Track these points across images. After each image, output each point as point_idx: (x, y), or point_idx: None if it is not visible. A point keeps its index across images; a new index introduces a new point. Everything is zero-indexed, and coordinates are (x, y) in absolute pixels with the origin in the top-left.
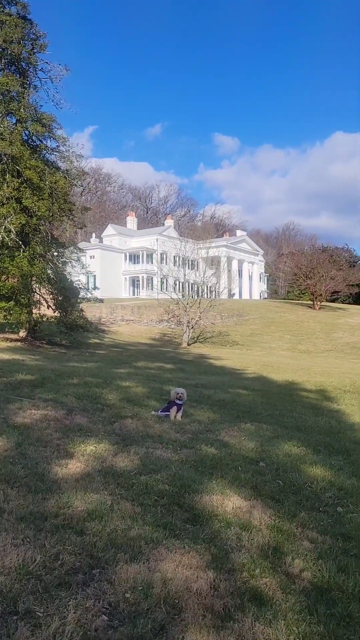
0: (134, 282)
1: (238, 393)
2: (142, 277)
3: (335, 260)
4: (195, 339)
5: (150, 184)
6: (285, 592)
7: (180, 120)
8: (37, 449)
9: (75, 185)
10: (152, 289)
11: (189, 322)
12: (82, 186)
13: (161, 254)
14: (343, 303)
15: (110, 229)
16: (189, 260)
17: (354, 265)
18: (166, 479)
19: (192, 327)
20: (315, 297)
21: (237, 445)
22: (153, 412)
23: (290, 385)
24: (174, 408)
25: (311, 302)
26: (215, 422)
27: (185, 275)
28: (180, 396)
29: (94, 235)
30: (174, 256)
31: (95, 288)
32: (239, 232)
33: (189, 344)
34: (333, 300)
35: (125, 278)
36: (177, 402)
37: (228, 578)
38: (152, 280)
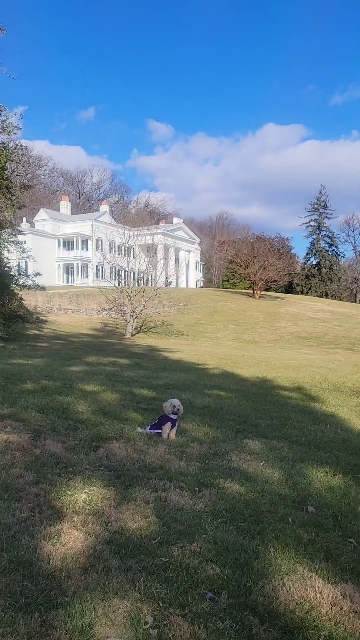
0: (68, 269)
1: (218, 395)
2: (77, 264)
3: (277, 249)
4: (139, 329)
5: (83, 169)
6: None
7: (114, 104)
8: (9, 505)
9: (13, 161)
10: (87, 277)
11: (133, 312)
12: (18, 162)
13: (96, 240)
14: (276, 292)
15: (42, 214)
16: (124, 248)
17: (286, 255)
18: (208, 551)
19: (136, 317)
20: (256, 286)
21: (260, 476)
22: (139, 430)
23: (264, 382)
24: (168, 424)
25: (250, 291)
26: (217, 440)
27: (129, 263)
28: (177, 410)
29: (24, 219)
30: (110, 243)
31: (36, 274)
32: (175, 220)
33: (132, 335)
34: (267, 289)
35: (59, 265)
36: (172, 417)
37: None
38: (87, 267)
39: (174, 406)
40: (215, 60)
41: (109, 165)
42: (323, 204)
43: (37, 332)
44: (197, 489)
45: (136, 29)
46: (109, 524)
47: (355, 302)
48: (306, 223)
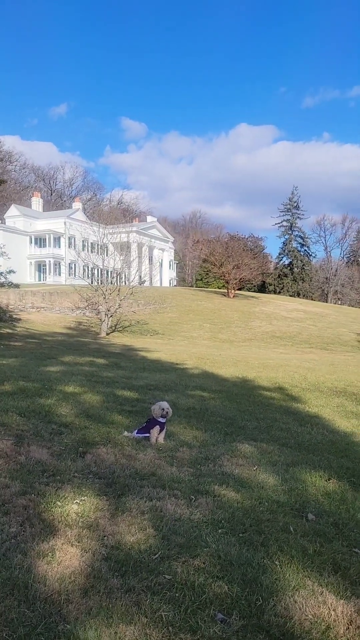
0: (40, 267)
1: (201, 396)
2: (49, 261)
3: (251, 248)
4: (114, 328)
5: (55, 165)
6: None
7: (87, 101)
8: None
9: None
10: (59, 275)
11: (108, 310)
12: None
13: (69, 237)
14: (249, 291)
15: (13, 210)
16: (98, 245)
17: (260, 255)
18: (213, 567)
19: (111, 316)
20: (230, 286)
21: (254, 481)
22: (126, 433)
23: (245, 383)
24: (156, 428)
25: (224, 290)
26: (206, 443)
27: (104, 261)
28: (165, 413)
29: None
30: (83, 240)
31: (10, 272)
32: (149, 218)
33: (107, 334)
34: (240, 289)
35: (31, 262)
36: (161, 420)
37: None
38: (59, 265)
39: (163, 409)
40: (189, 60)
41: (81, 162)
42: (295, 204)
43: (9, 330)
44: (192, 497)
45: (109, 28)
46: (105, 537)
47: (327, 302)
48: (279, 223)
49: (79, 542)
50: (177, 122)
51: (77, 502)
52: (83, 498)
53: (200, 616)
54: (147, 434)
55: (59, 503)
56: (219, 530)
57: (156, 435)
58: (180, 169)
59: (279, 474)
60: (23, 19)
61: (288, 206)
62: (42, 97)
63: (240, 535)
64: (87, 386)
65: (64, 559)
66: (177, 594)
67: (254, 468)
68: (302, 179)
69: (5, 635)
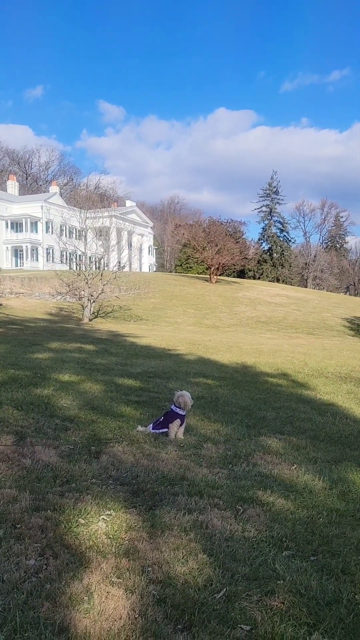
0: (17, 253)
1: (206, 384)
2: (26, 247)
3: (231, 234)
4: (96, 313)
5: (30, 148)
6: None
7: (63, 83)
8: (9, 548)
9: None
10: (37, 260)
11: (91, 296)
12: None
13: (47, 222)
14: (229, 277)
15: None
16: (76, 230)
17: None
18: (297, 609)
19: (94, 301)
20: (213, 271)
21: (299, 484)
22: (140, 428)
23: (245, 369)
24: (176, 422)
25: (206, 276)
26: (231, 438)
27: (85, 246)
28: (186, 404)
29: None
30: (61, 225)
31: None
32: (128, 203)
33: (90, 320)
34: (220, 274)
35: (7, 248)
36: (181, 412)
37: None
38: (37, 250)
39: (185, 400)
40: (168, 43)
41: (57, 146)
42: (274, 189)
43: None
44: (240, 508)
45: (86, 11)
46: (149, 569)
47: (306, 288)
48: (258, 208)
49: (119, 578)
50: (156, 105)
51: (103, 519)
52: (109, 512)
53: None
54: (166, 429)
55: (82, 520)
56: (284, 553)
57: (175, 430)
58: (158, 154)
59: (323, 474)
60: None
61: (267, 191)
62: (17, 78)
63: (312, 559)
64: (83, 374)
65: (106, 607)
66: None
67: (293, 467)
68: (281, 164)
69: None
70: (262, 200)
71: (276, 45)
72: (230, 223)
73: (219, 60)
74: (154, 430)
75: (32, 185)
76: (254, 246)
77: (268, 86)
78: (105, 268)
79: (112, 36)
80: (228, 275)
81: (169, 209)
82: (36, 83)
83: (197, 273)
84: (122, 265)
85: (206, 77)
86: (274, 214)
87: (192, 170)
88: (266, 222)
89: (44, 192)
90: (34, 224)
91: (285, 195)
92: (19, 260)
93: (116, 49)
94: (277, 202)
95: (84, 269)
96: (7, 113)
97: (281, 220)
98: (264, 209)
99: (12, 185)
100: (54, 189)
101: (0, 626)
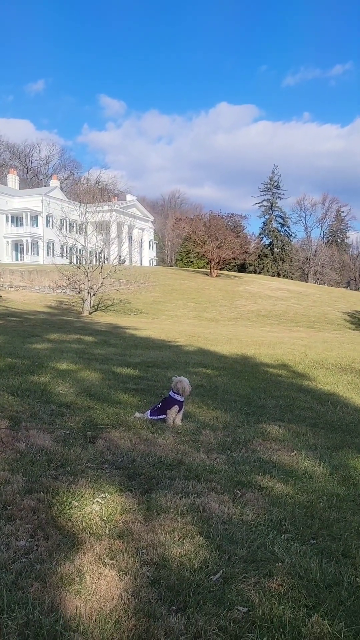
0: (17, 247)
1: (205, 373)
2: (27, 240)
3: (232, 228)
4: (96, 307)
5: (31, 143)
6: None
7: (65, 77)
8: None
9: None
10: (37, 254)
11: (91, 289)
12: None
13: (47, 216)
14: (229, 271)
15: None
16: (77, 225)
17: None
18: (296, 591)
19: (94, 294)
20: (213, 265)
21: (299, 470)
22: (138, 415)
23: (245, 360)
24: (174, 408)
25: (207, 270)
26: (230, 425)
27: (85, 240)
28: (190, 391)
29: None
30: (61, 219)
31: None
32: (129, 197)
33: (90, 313)
34: (221, 269)
35: (7, 242)
36: (179, 398)
37: None
38: (37, 244)
39: (183, 386)
40: (170, 37)
41: (58, 140)
42: (276, 184)
43: None
44: (237, 491)
45: (87, 4)
46: (144, 550)
47: (307, 282)
48: (259, 203)
49: (112, 560)
50: (157, 100)
51: (97, 501)
52: (104, 495)
53: None
54: (163, 416)
55: (75, 503)
56: (284, 536)
57: (174, 417)
58: (159, 149)
59: (324, 460)
60: None
61: (268, 186)
62: (19, 72)
63: (312, 542)
64: (81, 363)
65: (98, 588)
66: (265, 639)
67: (293, 453)
68: (283, 159)
69: None
70: (263, 195)
71: (278, 39)
72: (231, 217)
73: (221, 54)
74: (151, 417)
75: (32, 179)
76: (254, 240)
77: (270, 80)
78: (106, 262)
79: (113, 30)
80: (229, 270)
81: (170, 204)
82: (37, 77)
83: (198, 267)
84: (122, 259)
85: (208, 71)
86: (275, 209)
87: (194, 165)
88: (267, 216)
89: (45, 186)
90: (35, 218)
91: (287, 189)
92: (19, 254)
93: (117, 42)
94: (278, 197)
95: (84, 263)
96: (8, 107)
97: (282, 215)
98: (265, 203)
99: (13, 179)
100: (54, 182)
101: None
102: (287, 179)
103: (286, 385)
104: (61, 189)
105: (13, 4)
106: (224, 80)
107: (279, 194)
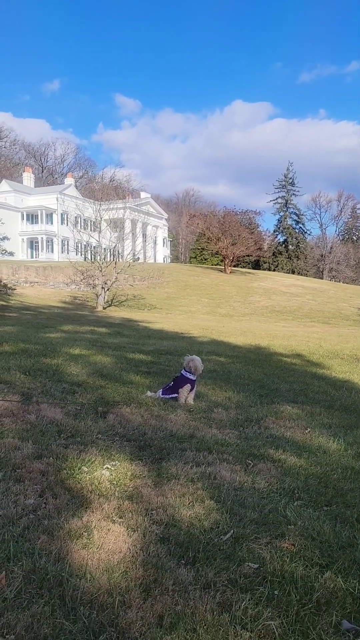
0: (33, 244)
1: (218, 361)
2: (42, 238)
3: (246, 225)
4: (110, 302)
5: (46, 141)
6: None
7: (80, 76)
8: (7, 488)
9: None
10: (52, 252)
11: (105, 284)
12: None
13: (62, 214)
14: (244, 268)
15: (4, 185)
16: (91, 222)
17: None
18: (309, 551)
19: (108, 289)
20: (227, 261)
21: (313, 445)
22: (150, 394)
23: (259, 350)
24: (186, 387)
25: (221, 267)
26: (242, 405)
27: (100, 237)
28: (202, 369)
29: None
30: (76, 217)
31: (3, 238)
32: (143, 194)
33: (104, 308)
34: (235, 266)
35: (23, 239)
36: (191, 377)
37: None
38: (52, 242)
39: (197, 366)
40: (184, 35)
41: (74, 139)
42: (290, 180)
43: (3, 302)
44: (249, 462)
45: (102, 4)
46: (153, 511)
47: (322, 279)
48: (274, 200)
49: (121, 518)
50: (171, 98)
51: (107, 468)
52: (114, 463)
53: (320, 625)
54: (175, 394)
55: (85, 468)
56: (296, 503)
57: (185, 395)
58: (173, 147)
59: (338, 437)
60: None
61: (283, 182)
62: (35, 72)
63: (325, 508)
64: (94, 349)
65: (105, 541)
66: (276, 592)
67: (307, 431)
68: (298, 156)
69: None
70: (278, 192)
71: (293, 36)
72: (245, 213)
73: (236, 52)
74: (163, 396)
75: (47, 178)
76: (269, 237)
77: (285, 78)
78: (120, 258)
79: (128, 29)
80: (243, 267)
81: (184, 202)
82: (53, 77)
83: (212, 265)
84: (136, 256)
85: (222, 69)
86: (290, 206)
87: (208, 163)
88: (281, 213)
89: (59, 184)
90: (50, 216)
91: (301, 187)
92: (34, 252)
93: (132, 41)
94: (293, 194)
95: (98, 259)
96: (24, 107)
97: (297, 212)
98: (279, 200)
99: (28, 177)
100: (69, 180)
101: None
102: (302, 176)
103: (300, 373)
104: (76, 187)
105: (29, 5)
106: (239, 78)
107: (294, 191)
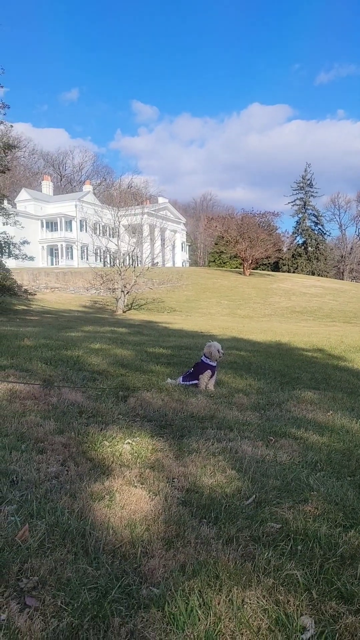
0: (52, 251)
1: (239, 355)
2: (61, 245)
3: (264, 227)
4: (130, 306)
5: (64, 150)
6: None
7: (98, 84)
8: (29, 457)
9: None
10: (71, 259)
11: (124, 287)
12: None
13: (80, 220)
14: (263, 271)
15: (24, 194)
16: (110, 228)
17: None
18: (332, 513)
19: (127, 293)
20: (246, 263)
21: (336, 426)
22: (170, 381)
23: (280, 345)
24: (207, 373)
25: (240, 269)
26: (263, 391)
27: (118, 242)
28: (220, 356)
29: (5, 201)
30: (94, 223)
31: (24, 242)
32: (161, 199)
33: (124, 311)
34: (255, 268)
35: (43, 247)
36: (212, 363)
37: None
38: (71, 248)
39: (219, 350)
40: (201, 39)
41: (92, 147)
42: (308, 182)
43: (24, 307)
44: (272, 438)
45: (120, 10)
46: (175, 480)
47: (343, 280)
48: (292, 202)
49: (142, 484)
50: (189, 103)
51: (129, 442)
52: (135, 438)
53: (344, 577)
54: (196, 381)
55: (106, 443)
56: (319, 473)
57: (206, 382)
58: (191, 152)
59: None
60: (31, 3)
61: (301, 184)
62: (53, 82)
63: (349, 478)
64: (114, 345)
65: (128, 502)
66: (299, 547)
67: (329, 413)
68: (316, 158)
69: (62, 603)
70: (296, 194)
71: (311, 36)
72: (263, 215)
73: (252, 54)
74: (183, 382)
75: (66, 186)
76: (287, 238)
77: (303, 79)
78: (139, 263)
79: (145, 36)
80: (262, 269)
81: (202, 206)
82: (72, 86)
83: (231, 268)
84: (154, 259)
85: (239, 72)
86: (308, 207)
87: (225, 167)
88: (300, 215)
89: (78, 192)
90: (69, 223)
91: (320, 188)
92: (54, 259)
93: (149, 48)
94: (312, 195)
95: (117, 263)
96: (43, 117)
97: (315, 213)
98: (297, 202)
99: (47, 186)
100: (87, 187)
101: (16, 511)
102: (320, 178)
103: (322, 365)
104: (94, 194)
105: (48, 16)
106: (256, 81)
107: (312, 192)
